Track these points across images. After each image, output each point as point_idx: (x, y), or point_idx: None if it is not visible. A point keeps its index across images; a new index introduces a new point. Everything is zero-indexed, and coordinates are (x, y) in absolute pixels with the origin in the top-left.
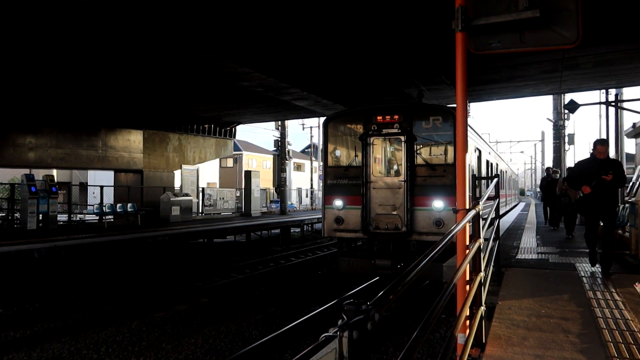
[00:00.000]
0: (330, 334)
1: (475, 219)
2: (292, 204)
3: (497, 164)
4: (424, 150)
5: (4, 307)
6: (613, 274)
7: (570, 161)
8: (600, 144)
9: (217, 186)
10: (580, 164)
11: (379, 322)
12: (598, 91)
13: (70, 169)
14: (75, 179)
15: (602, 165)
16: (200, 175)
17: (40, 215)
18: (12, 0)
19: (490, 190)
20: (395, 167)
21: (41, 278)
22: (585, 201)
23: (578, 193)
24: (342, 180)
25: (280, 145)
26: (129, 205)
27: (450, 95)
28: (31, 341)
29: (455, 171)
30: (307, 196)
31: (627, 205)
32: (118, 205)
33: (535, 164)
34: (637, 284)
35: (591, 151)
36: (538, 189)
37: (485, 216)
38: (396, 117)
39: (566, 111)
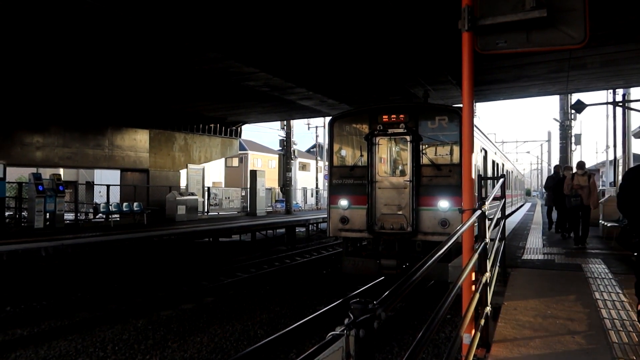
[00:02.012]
0: (338, 332)
1: (481, 219)
2: (297, 203)
3: (503, 164)
4: (430, 150)
5: (12, 305)
6: None
7: (576, 162)
8: None
9: (223, 185)
10: (634, 173)
11: (385, 321)
12: (605, 91)
13: (77, 168)
14: (82, 178)
15: None
16: (205, 174)
17: (47, 214)
18: (21, 0)
19: (496, 191)
20: (400, 167)
21: (48, 276)
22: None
23: (589, 195)
24: (347, 180)
25: (286, 144)
26: (135, 204)
27: (456, 95)
28: (38, 339)
29: (461, 171)
30: (312, 196)
31: None
32: (124, 204)
33: (541, 164)
34: None
35: None
36: (543, 189)
37: (491, 216)
38: (402, 116)
39: (573, 111)
